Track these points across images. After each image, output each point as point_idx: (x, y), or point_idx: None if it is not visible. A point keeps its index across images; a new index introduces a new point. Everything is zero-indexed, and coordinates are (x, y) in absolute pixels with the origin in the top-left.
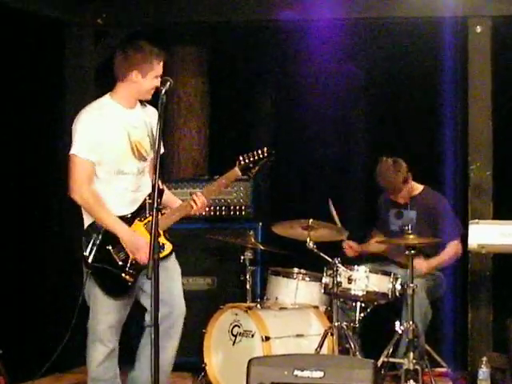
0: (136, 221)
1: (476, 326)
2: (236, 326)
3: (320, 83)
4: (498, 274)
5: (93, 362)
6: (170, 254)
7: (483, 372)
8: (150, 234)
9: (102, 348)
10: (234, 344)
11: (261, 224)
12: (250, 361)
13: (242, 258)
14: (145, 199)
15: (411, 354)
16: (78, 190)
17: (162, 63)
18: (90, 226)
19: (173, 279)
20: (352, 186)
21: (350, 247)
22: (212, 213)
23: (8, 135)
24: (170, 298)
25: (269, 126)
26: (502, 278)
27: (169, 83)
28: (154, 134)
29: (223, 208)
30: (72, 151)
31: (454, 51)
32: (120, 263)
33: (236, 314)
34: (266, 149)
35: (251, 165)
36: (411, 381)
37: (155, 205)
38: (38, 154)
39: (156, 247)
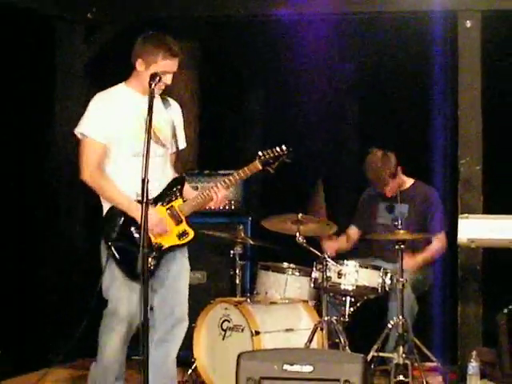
0: (158, 205)
1: (466, 320)
2: (226, 320)
3: (311, 78)
4: (488, 268)
5: (107, 350)
6: (192, 240)
7: (473, 366)
8: (141, 227)
9: (117, 338)
10: (223, 338)
11: (250, 218)
12: (239, 355)
13: (232, 252)
14: (168, 185)
15: (401, 349)
16: (87, 171)
17: (170, 62)
18: (111, 208)
19: (181, 277)
20: (343, 180)
21: (330, 246)
22: None
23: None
24: (173, 296)
25: (260, 120)
26: (491, 272)
27: (158, 77)
28: (177, 128)
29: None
30: (79, 130)
31: (443, 45)
32: None
33: (226, 309)
34: (284, 146)
35: (271, 160)
36: (401, 375)
37: (144, 198)
38: (29, 148)
39: (145, 241)
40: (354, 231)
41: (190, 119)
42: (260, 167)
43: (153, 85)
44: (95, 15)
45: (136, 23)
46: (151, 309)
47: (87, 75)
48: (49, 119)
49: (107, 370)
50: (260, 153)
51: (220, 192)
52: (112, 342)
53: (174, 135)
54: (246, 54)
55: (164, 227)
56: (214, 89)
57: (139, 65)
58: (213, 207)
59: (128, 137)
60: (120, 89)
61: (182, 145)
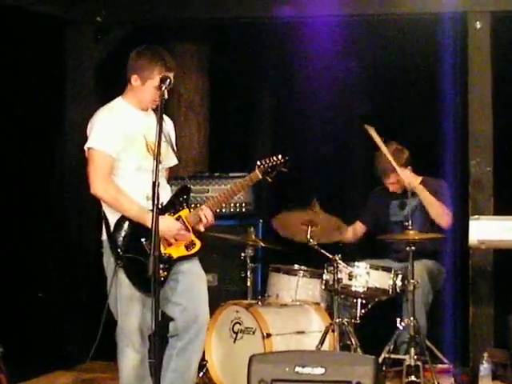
0: (166, 214)
1: (477, 321)
2: (237, 323)
3: (320, 80)
4: (499, 270)
5: (124, 370)
6: (199, 251)
7: (485, 368)
8: (151, 232)
9: (133, 354)
10: (235, 341)
11: (261, 221)
12: (250, 358)
13: (243, 254)
14: (174, 194)
15: (412, 350)
16: (101, 185)
17: (165, 77)
18: (120, 219)
19: (198, 284)
20: (353, 182)
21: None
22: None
23: (8, 132)
24: (194, 304)
25: (269, 122)
26: (502, 273)
27: (169, 80)
28: (172, 142)
29: (224, 205)
30: (90, 145)
31: (453, 47)
32: None
33: (237, 311)
34: (280, 156)
35: (269, 169)
36: (412, 377)
37: (156, 203)
38: (39, 151)
39: (155, 244)
40: (359, 226)
41: (199, 122)
42: (260, 176)
43: (163, 87)
44: (105, 18)
45: (145, 26)
46: (172, 320)
47: (97, 78)
48: (60, 124)
49: None
50: (258, 162)
51: (207, 213)
52: (129, 361)
53: (172, 150)
54: (255, 56)
55: (184, 232)
56: (223, 91)
57: (135, 80)
58: (202, 228)
59: (133, 152)
60: (118, 103)
61: (175, 161)
